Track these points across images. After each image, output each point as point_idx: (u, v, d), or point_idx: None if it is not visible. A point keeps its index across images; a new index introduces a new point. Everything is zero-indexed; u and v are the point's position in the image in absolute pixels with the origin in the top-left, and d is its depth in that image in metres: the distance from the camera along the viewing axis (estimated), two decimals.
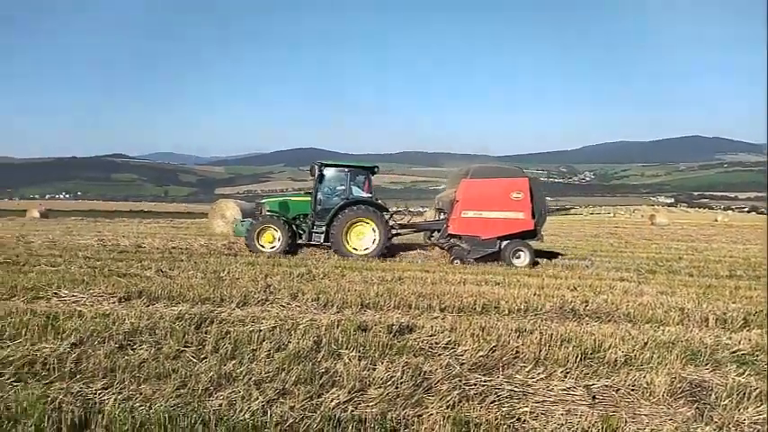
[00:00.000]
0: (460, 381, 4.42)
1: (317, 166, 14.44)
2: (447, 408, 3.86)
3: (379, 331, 5.72)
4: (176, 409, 3.60)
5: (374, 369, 4.54)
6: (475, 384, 4.37)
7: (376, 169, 15.23)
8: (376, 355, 4.96)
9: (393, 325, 6.01)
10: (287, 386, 4.11)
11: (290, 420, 3.54)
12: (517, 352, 5.29)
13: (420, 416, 3.73)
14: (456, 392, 4.12)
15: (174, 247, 14.54)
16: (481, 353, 5.14)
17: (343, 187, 14.53)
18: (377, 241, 13.91)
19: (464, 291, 8.43)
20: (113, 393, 3.87)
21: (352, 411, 3.75)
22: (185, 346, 5.03)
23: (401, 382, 4.26)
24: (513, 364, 4.95)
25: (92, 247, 14.21)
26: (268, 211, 14.97)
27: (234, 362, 4.64)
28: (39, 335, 5.19)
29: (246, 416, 3.57)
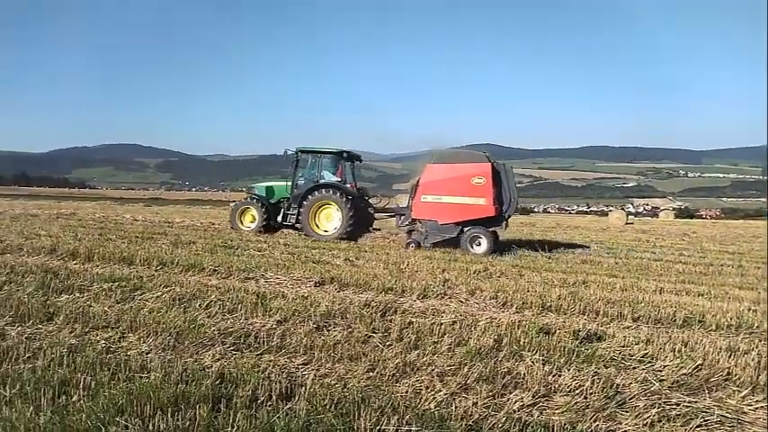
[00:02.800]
0: (659, 399, 4.01)
1: (294, 153, 15.80)
2: (644, 426, 3.54)
3: (564, 336, 5.45)
4: (367, 391, 3.84)
5: (559, 375, 4.34)
6: (677, 404, 3.93)
7: (345, 154, 16.07)
8: (561, 361, 4.74)
9: (579, 331, 5.68)
10: (468, 381, 4.12)
11: (475, 416, 3.55)
12: (728, 373, 4.64)
13: (613, 431, 3.48)
14: (654, 411, 3.75)
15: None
16: (684, 370, 4.60)
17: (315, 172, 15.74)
18: (340, 223, 14.76)
19: (661, 300, 7.63)
20: (312, 369, 4.26)
21: (538, 416, 3.64)
22: (373, 332, 5.32)
23: (590, 393, 4.01)
24: (724, 387, 4.36)
25: (290, 235, 15.80)
26: (254, 194, 16.41)
27: (417, 352, 4.78)
28: (251, 311, 5.92)
29: (432, 405, 3.66)
